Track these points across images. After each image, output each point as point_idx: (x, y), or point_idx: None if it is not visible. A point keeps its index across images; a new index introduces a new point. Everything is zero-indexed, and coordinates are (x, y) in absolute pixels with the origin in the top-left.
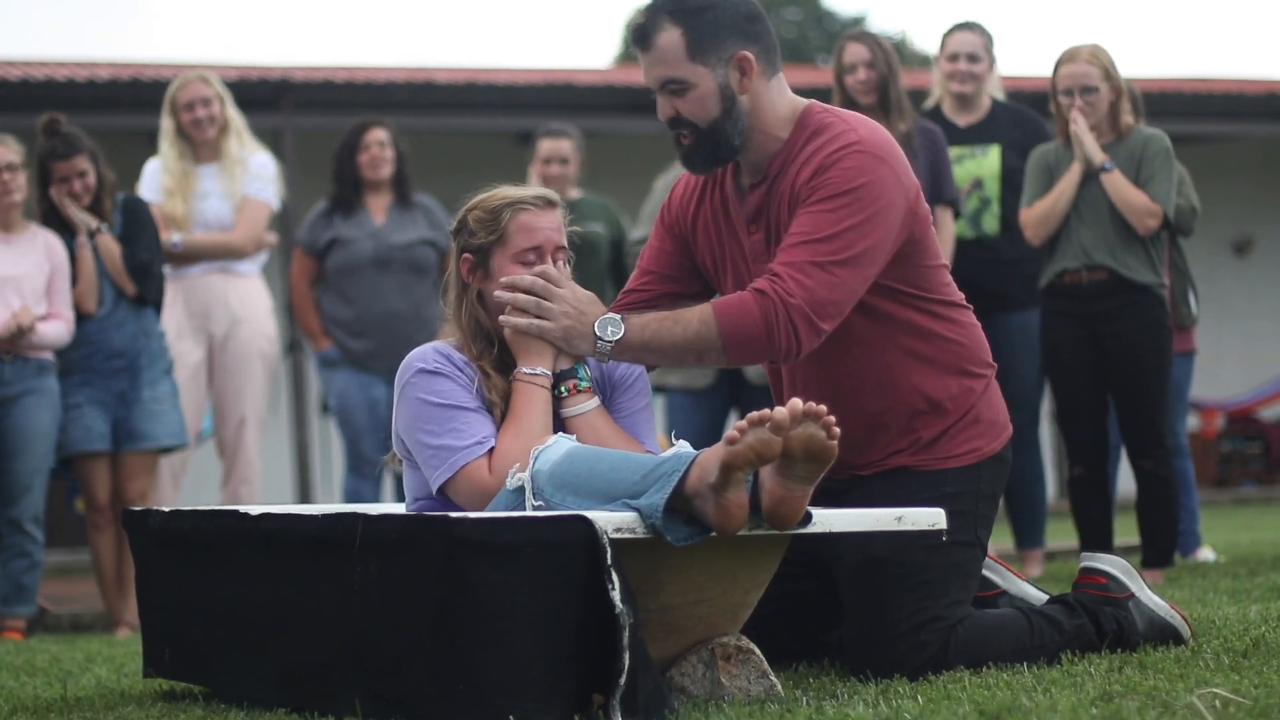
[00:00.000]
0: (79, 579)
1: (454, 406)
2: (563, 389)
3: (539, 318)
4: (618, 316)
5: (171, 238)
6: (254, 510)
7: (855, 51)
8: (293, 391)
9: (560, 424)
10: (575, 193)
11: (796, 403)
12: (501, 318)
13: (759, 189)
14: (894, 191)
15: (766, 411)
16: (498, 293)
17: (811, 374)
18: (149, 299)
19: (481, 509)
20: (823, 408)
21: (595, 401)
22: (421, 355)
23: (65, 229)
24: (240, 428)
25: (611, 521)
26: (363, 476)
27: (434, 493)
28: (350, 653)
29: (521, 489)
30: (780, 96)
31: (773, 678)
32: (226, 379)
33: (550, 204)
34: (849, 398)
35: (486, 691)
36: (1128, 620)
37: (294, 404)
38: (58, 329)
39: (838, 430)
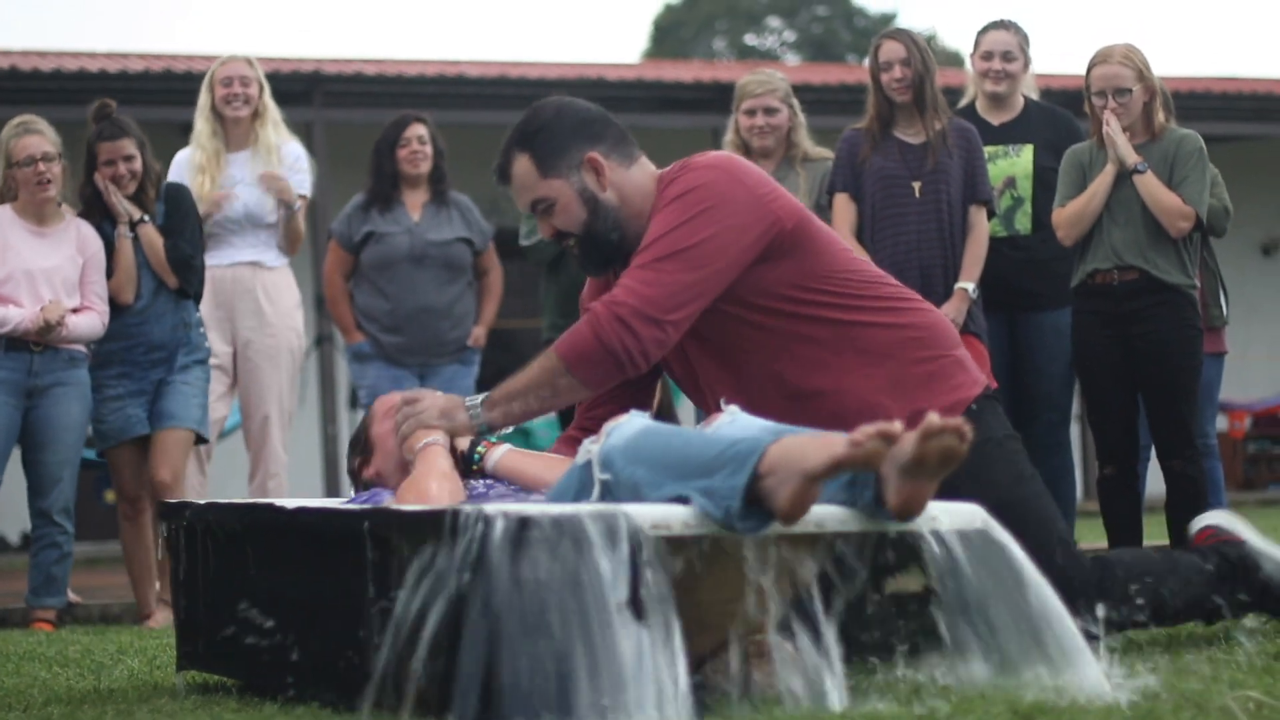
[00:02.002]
0: (108, 570)
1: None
2: (478, 450)
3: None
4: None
5: (294, 203)
6: (289, 504)
7: (891, 49)
8: (321, 385)
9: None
10: None
11: (935, 417)
12: (396, 435)
13: None
14: (728, 189)
15: (896, 426)
16: (382, 420)
17: (767, 383)
18: (190, 291)
19: None
20: (959, 420)
21: (507, 446)
22: None
23: (108, 217)
24: (266, 422)
25: (649, 517)
26: None
27: None
28: (380, 646)
29: (589, 464)
30: (641, 178)
31: (804, 675)
32: (253, 373)
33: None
34: (806, 403)
35: (519, 686)
36: (1249, 554)
37: (323, 397)
38: (90, 321)
39: (970, 436)
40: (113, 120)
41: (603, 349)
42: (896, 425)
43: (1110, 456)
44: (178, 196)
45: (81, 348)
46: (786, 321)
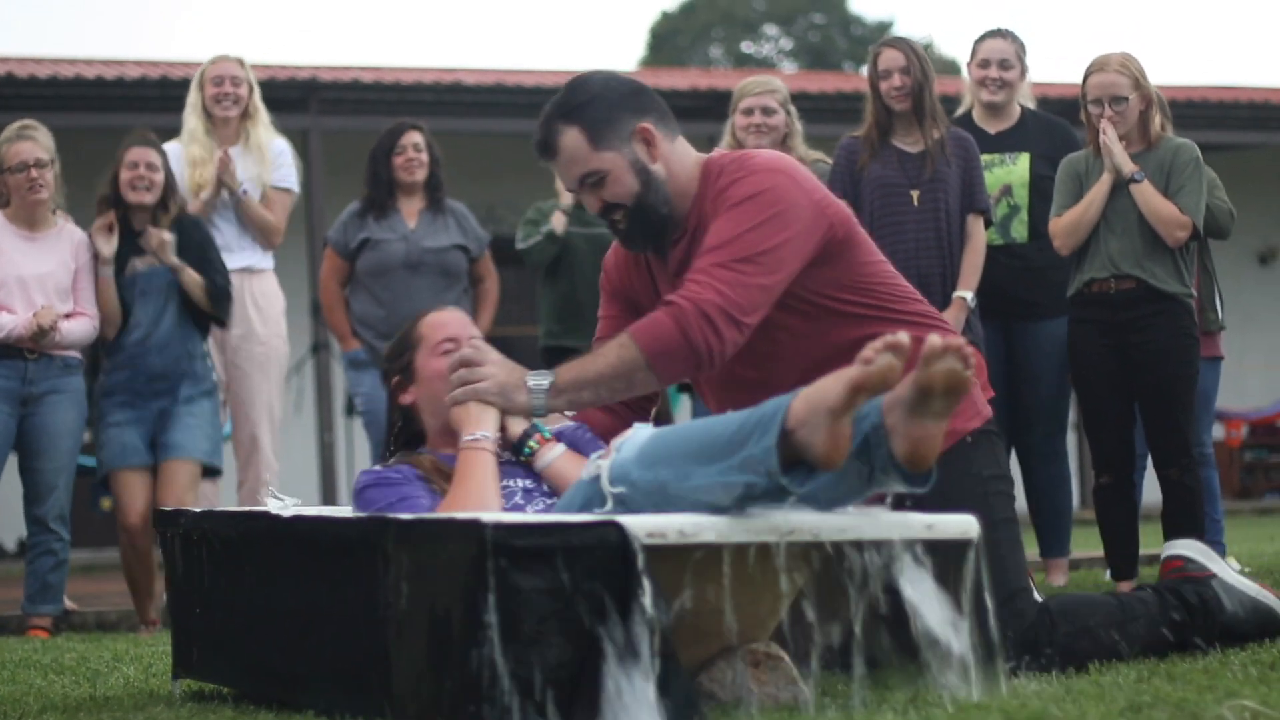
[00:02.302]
0: (104, 578)
1: (397, 485)
2: (529, 445)
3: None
4: (543, 371)
5: (241, 186)
6: (285, 512)
7: (891, 57)
8: (318, 392)
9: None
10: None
11: (936, 338)
12: (447, 399)
13: (680, 244)
14: (794, 194)
15: (902, 336)
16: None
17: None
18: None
19: None
20: (960, 340)
21: (562, 447)
22: (359, 478)
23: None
24: (256, 429)
25: (644, 526)
26: None
27: None
28: (379, 655)
29: (597, 478)
30: (685, 155)
31: (802, 684)
32: (243, 380)
33: (449, 306)
34: None
35: (516, 694)
36: (1211, 596)
37: (319, 405)
38: (83, 326)
39: (974, 361)
40: (148, 137)
41: (688, 346)
42: (902, 335)
43: (1107, 465)
44: (192, 227)
45: (76, 354)
46: (820, 324)
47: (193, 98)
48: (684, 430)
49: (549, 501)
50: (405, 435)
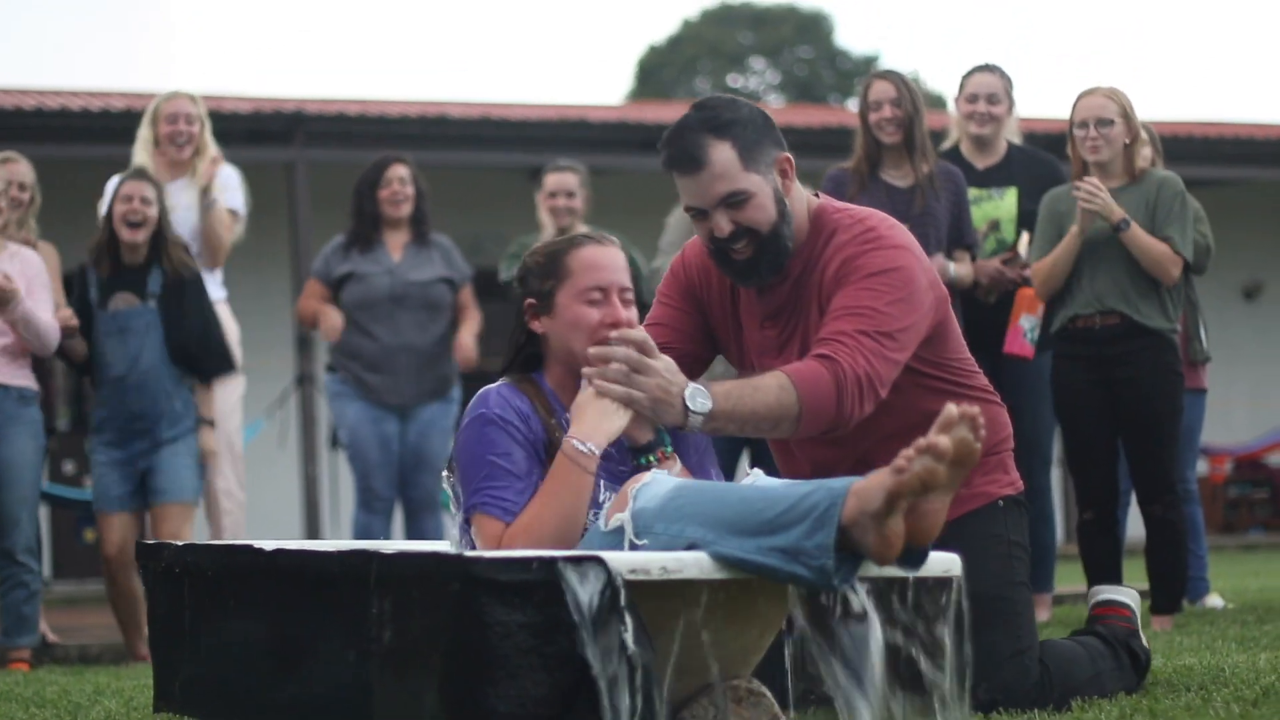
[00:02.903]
0: (87, 610)
1: (496, 463)
2: (651, 458)
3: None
4: (702, 387)
5: (208, 197)
6: (268, 545)
7: (882, 89)
8: (302, 425)
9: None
10: (582, 228)
11: (952, 408)
12: (593, 379)
13: (780, 288)
14: (920, 277)
15: (934, 440)
16: (592, 351)
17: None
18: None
19: None
20: (975, 409)
21: (679, 466)
22: (486, 399)
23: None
24: (221, 460)
25: (627, 563)
26: (374, 512)
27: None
28: (362, 690)
29: (619, 530)
30: (801, 197)
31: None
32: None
33: (611, 241)
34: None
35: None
36: (1145, 651)
37: (303, 438)
38: (49, 318)
39: (984, 432)
40: (144, 172)
41: (837, 409)
42: (943, 440)
43: (1091, 501)
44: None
45: (32, 385)
46: (905, 396)
47: (144, 133)
48: (715, 492)
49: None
50: (525, 356)
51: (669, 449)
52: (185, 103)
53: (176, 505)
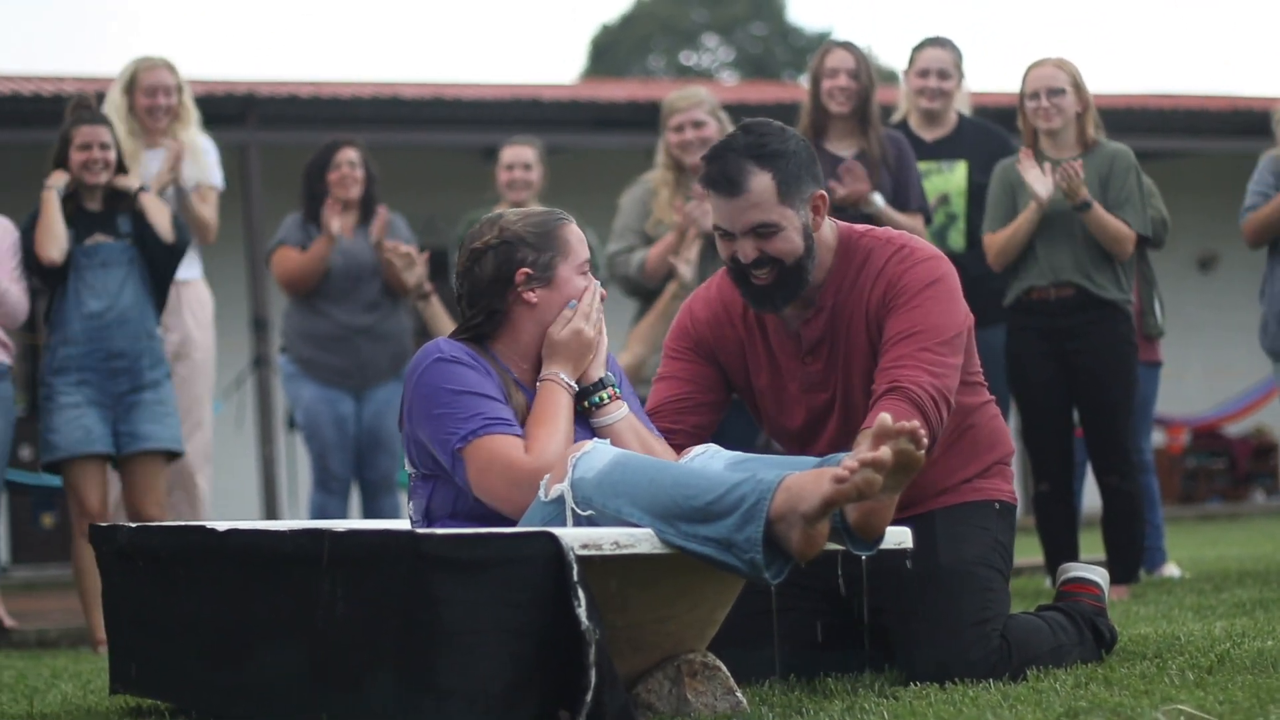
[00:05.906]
0: (45, 595)
1: (476, 394)
2: (602, 396)
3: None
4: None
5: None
6: (221, 526)
7: (840, 57)
8: (258, 407)
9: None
10: (535, 205)
11: (886, 418)
12: (584, 327)
13: (816, 320)
14: (956, 282)
15: (873, 455)
16: (573, 304)
17: None
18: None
19: (504, 491)
20: (915, 423)
21: (626, 408)
22: (435, 347)
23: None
24: (197, 437)
25: (579, 538)
26: (330, 492)
27: (449, 455)
28: (316, 668)
29: (560, 500)
30: (828, 230)
31: (739, 694)
32: (184, 387)
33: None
34: None
35: (452, 708)
36: (1111, 630)
37: (260, 419)
38: (15, 289)
39: (926, 441)
40: (92, 110)
41: (929, 433)
42: (884, 452)
43: (1046, 473)
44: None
45: (5, 360)
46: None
47: (117, 100)
48: (649, 468)
49: None
50: (482, 322)
51: (618, 389)
52: (164, 73)
53: (159, 454)
